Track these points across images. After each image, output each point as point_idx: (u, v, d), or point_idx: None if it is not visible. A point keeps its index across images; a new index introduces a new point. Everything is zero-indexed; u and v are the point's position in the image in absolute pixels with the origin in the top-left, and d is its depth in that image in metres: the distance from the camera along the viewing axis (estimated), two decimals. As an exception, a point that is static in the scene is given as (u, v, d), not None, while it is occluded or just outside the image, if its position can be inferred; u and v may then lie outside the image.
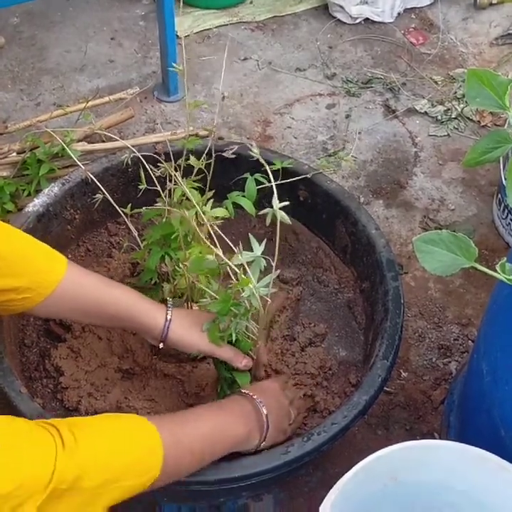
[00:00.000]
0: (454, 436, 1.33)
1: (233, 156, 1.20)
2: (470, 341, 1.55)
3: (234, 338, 1.11)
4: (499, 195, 1.71)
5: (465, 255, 0.88)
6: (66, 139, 1.59)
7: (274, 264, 1.04)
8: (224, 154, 1.20)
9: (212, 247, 1.13)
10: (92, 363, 1.26)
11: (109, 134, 1.45)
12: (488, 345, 1.15)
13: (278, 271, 1.08)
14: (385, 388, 1.46)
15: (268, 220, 1.07)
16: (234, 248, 1.04)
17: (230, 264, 1.06)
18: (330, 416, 1.12)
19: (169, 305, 1.14)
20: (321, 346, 1.35)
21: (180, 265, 1.22)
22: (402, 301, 1.24)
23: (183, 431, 0.99)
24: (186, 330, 1.13)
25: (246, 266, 1.05)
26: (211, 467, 1.06)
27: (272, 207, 1.55)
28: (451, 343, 1.55)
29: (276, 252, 1.05)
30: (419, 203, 1.79)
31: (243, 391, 1.13)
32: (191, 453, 0.99)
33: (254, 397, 1.11)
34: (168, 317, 1.12)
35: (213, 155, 1.21)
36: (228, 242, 1.07)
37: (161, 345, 1.13)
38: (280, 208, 1.05)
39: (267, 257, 1.04)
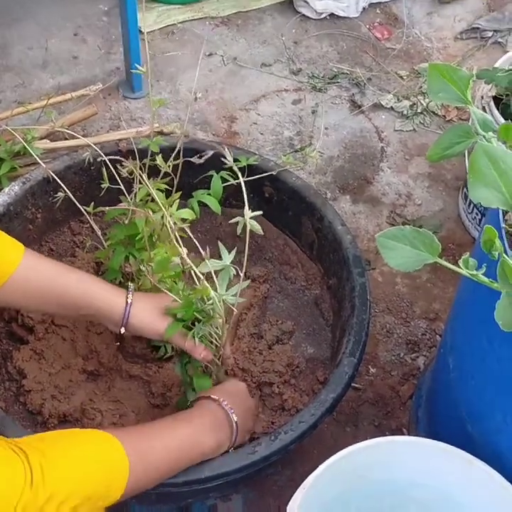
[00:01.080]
0: (422, 431, 1.33)
1: (202, 161, 1.18)
2: (438, 336, 1.55)
3: (196, 344, 1.09)
4: (465, 190, 1.71)
5: (429, 250, 0.88)
6: (27, 137, 1.55)
7: (242, 274, 1.02)
8: (193, 160, 1.18)
9: (178, 248, 1.12)
10: (56, 364, 1.24)
11: (72, 132, 1.42)
12: (455, 340, 1.15)
13: (247, 281, 1.06)
14: (353, 384, 1.45)
15: (239, 230, 1.05)
16: (202, 252, 1.02)
17: (196, 270, 1.04)
18: (297, 414, 1.11)
19: (130, 289, 1.11)
20: (289, 344, 1.34)
21: (145, 266, 1.20)
22: (368, 298, 1.24)
23: (150, 450, 0.97)
24: (148, 315, 1.10)
25: (213, 274, 1.04)
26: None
27: (238, 206, 1.54)
28: (418, 338, 1.55)
29: (245, 262, 1.03)
30: (386, 198, 1.79)
31: (213, 397, 1.10)
32: (157, 470, 0.98)
33: (224, 403, 1.09)
34: (129, 301, 1.09)
35: (181, 157, 1.19)
36: (197, 244, 1.05)
37: (122, 331, 1.10)
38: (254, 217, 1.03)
39: (235, 266, 1.03)
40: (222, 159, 1.12)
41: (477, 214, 1.65)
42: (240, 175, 1.11)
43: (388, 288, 1.63)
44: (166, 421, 1.05)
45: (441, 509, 1.10)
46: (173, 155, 1.19)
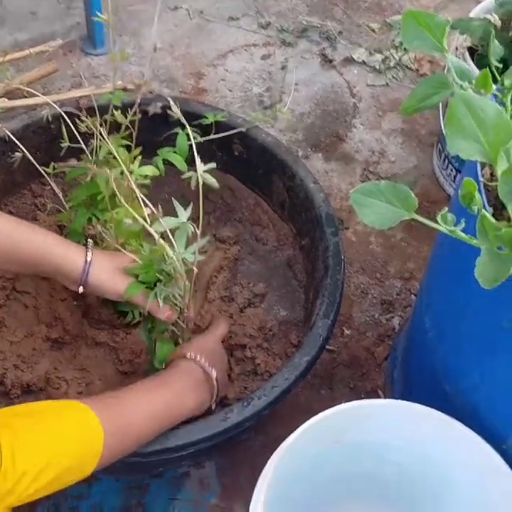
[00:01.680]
0: (398, 392, 1.30)
1: (160, 110, 1.13)
2: (413, 296, 1.52)
3: (161, 305, 1.05)
4: (439, 145, 1.67)
5: (404, 206, 0.84)
6: (-17, 96, 1.48)
7: (199, 232, 0.98)
8: (150, 109, 1.12)
9: (141, 206, 1.07)
10: (18, 333, 1.18)
11: (31, 90, 1.35)
12: (431, 298, 1.12)
13: (205, 238, 1.02)
14: (327, 347, 1.42)
15: (193, 184, 1.00)
16: (154, 210, 0.97)
17: (150, 229, 0.99)
18: (271, 379, 1.08)
19: (89, 247, 1.07)
20: (261, 307, 1.30)
21: (108, 227, 1.15)
22: (342, 257, 1.20)
23: (126, 418, 0.93)
24: (107, 273, 1.05)
25: (169, 232, 0.99)
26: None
27: (205, 161, 1.49)
28: (393, 298, 1.52)
29: (201, 220, 0.98)
30: (359, 155, 1.74)
31: (189, 355, 1.06)
32: (136, 437, 0.95)
33: (202, 361, 1.05)
34: (88, 259, 1.04)
35: (137, 109, 1.13)
36: (149, 204, 1.00)
37: (80, 290, 1.06)
38: (208, 170, 0.98)
39: (192, 224, 0.98)
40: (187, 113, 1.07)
41: (452, 170, 1.61)
42: (190, 131, 1.06)
43: (362, 248, 1.59)
44: (143, 386, 1.00)
45: (418, 471, 1.08)
46: (134, 109, 1.13)
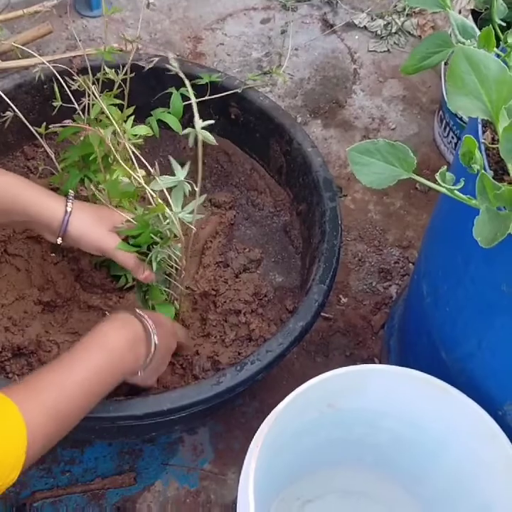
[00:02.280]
0: (394, 360, 1.29)
1: (151, 65, 1.10)
2: (411, 264, 1.50)
3: (155, 268, 1.03)
4: (440, 113, 1.64)
5: (403, 166, 0.82)
6: (-24, 56, 1.45)
7: (198, 189, 0.96)
8: (141, 63, 1.09)
9: (135, 168, 1.04)
10: (9, 295, 1.16)
11: (25, 49, 1.31)
12: (429, 264, 1.10)
13: (203, 196, 0.99)
14: (323, 314, 1.41)
15: (191, 141, 0.98)
16: (151, 169, 0.95)
17: (148, 188, 0.97)
18: (264, 343, 1.06)
19: (70, 197, 1.03)
20: (256, 272, 1.28)
21: (100, 189, 1.12)
22: (339, 222, 1.18)
23: (59, 396, 0.84)
24: (88, 226, 1.02)
25: (165, 191, 0.96)
26: (139, 401, 0.99)
27: (203, 128, 1.46)
28: (391, 266, 1.50)
29: (200, 177, 0.96)
30: (359, 122, 1.71)
31: (139, 313, 1.00)
32: (77, 408, 0.87)
33: (149, 321, 0.99)
34: (68, 210, 1.01)
35: (129, 68, 1.10)
36: (145, 163, 0.98)
37: (59, 241, 1.02)
38: (206, 127, 0.96)
39: (190, 181, 0.96)
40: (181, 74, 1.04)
41: (453, 137, 1.59)
42: (190, 89, 1.03)
43: (360, 215, 1.57)
44: (78, 349, 0.91)
45: (412, 438, 1.07)
46: (127, 67, 1.10)
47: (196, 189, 0.94)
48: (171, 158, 0.95)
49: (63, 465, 1.24)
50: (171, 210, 0.96)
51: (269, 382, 1.31)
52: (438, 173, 0.75)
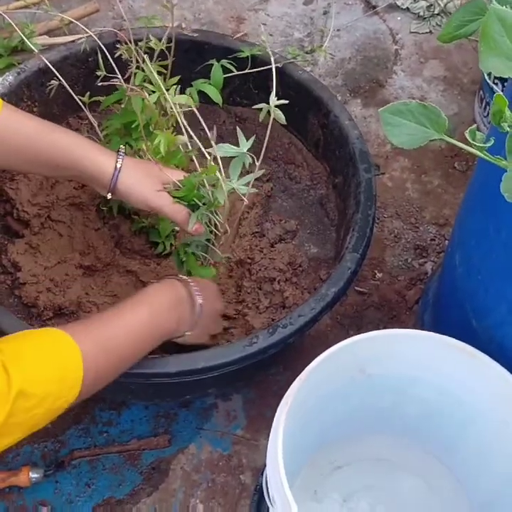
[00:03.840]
0: (427, 333, 1.30)
1: (195, 34, 1.13)
2: (447, 241, 1.51)
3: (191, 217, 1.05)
4: (481, 93, 1.64)
5: (434, 127, 0.82)
6: (26, 32, 1.49)
7: (258, 163, 0.99)
8: (185, 32, 1.12)
9: (184, 133, 1.08)
10: (52, 259, 1.21)
11: (75, 21, 1.34)
12: (462, 234, 1.11)
13: (262, 170, 1.03)
14: (358, 288, 1.43)
15: (262, 116, 1.01)
16: (209, 133, 0.98)
17: (205, 151, 1.00)
18: (297, 308, 1.08)
19: (120, 153, 1.06)
20: (292, 243, 1.30)
21: (143, 157, 1.16)
22: (374, 193, 1.19)
23: (109, 338, 0.91)
24: (137, 183, 1.04)
25: (219, 159, 0.99)
26: (172, 359, 1.02)
27: (242, 104, 1.48)
28: (427, 243, 1.51)
29: (263, 153, 0.99)
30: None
31: (182, 277, 1.05)
32: (119, 356, 0.93)
33: (192, 283, 1.04)
34: (118, 166, 1.03)
35: (170, 33, 1.13)
36: (203, 126, 1.01)
37: (109, 196, 1.05)
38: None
39: (251, 154, 0.99)
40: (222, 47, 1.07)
41: (493, 116, 1.58)
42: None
43: (398, 193, 1.58)
44: (125, 304, 0.98)
45: (442, 406, 1.08)
46: (169, 35, 1.13)
47: (257, 163, 0.97)
48: (238, 129, 0.98)
49: (101, 426, 1.28)
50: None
51: (302, 353, 1.33)
52: (467, 130, 0.76)
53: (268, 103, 1.40)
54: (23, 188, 1.24)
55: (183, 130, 1.08)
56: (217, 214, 1.08)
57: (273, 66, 1.11)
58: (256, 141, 1.43)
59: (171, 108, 1.08)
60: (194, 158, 1.13)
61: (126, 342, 0.94)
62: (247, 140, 1.01)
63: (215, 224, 1.09)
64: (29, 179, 1.25)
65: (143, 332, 0.96)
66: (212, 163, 1.03)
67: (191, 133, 1.08)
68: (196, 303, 1.03)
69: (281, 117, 0.99)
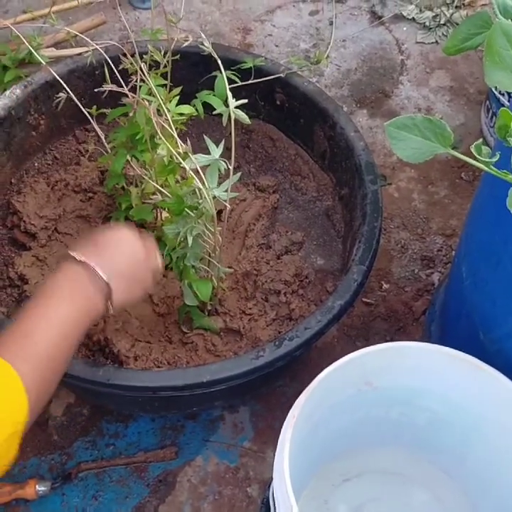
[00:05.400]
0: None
1: (188, 42, 1.13)
2: (453, 252, 1.50)
3: (190, 243, 1.04)
4: (487, 103, 1.64)
5: (440, 141, 0.83)
6: (33, 44, 1.50)
7: (231, 168, 0.99)
8: (185, 44, 1.12)
9: (177, 145, 1.08)
10: (58, 271, 1.21)
11: (81, 35, 1.35)
12: (469, 247, 1.10)
13: (238, 174, 1.02)
14: (365, 299, 1.43)
15: (224, 120, 1.01)
16: (183, 145, 0.98)
17: (184, 164, 0.99)
18: (303, 320, 1.08)
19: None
20: (298, 254, 1.30)
21: (148, 168, 1.16)
22: (380, 205, 1.19)
23: (35, 349, 0.85)
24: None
25: (199, 169, 0.99)
26: (178, 373, 1.02)
27: (249, 115, 1.49)
28: (434, 254, 1.50)
29: (233, 156, 0.99)
30: (405, 112, 1.72)
31: (75, 255, 0.95)
32: (53, 365, 0.88)
33: (88, 262, 0.94)
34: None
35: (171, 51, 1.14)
36: (178, 140, 1.01)
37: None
38: (241, 107, 0.99)
39: (224, 159, 0.98)
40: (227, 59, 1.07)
41: (499, 127, 1.58)
42: (222, 72, 1.05)
43: (404, 204, 1.58)
44: (33, 309, 0.89)
45: (448, 417, 1.07)
46: (170, 48, 1.13)
47: (230, 168, 0.97)
48: (206, 137, 0.98)
49: (108, 438, 1.28)
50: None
51: (309, 365, 1.33)
52: (473, 145, 0.76)
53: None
54: (30, 200, 1.25)
55: (178, 141, 1.08)
56: (206, 225, 1.07)
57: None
58: (263, 152, 1.45)
59: (166, 119, 1.08)
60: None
61: (53, 346, 0.88)
62: (219, 148, 0.99)
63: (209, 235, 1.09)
64: (36, 192, 1.26)
65: (69, 328, 0.90)
66: (191, 173, 1.01)
67: (180, 143, 1.07)
68: (100, 277, 0.94)
69: (244, 117, 0.99)
